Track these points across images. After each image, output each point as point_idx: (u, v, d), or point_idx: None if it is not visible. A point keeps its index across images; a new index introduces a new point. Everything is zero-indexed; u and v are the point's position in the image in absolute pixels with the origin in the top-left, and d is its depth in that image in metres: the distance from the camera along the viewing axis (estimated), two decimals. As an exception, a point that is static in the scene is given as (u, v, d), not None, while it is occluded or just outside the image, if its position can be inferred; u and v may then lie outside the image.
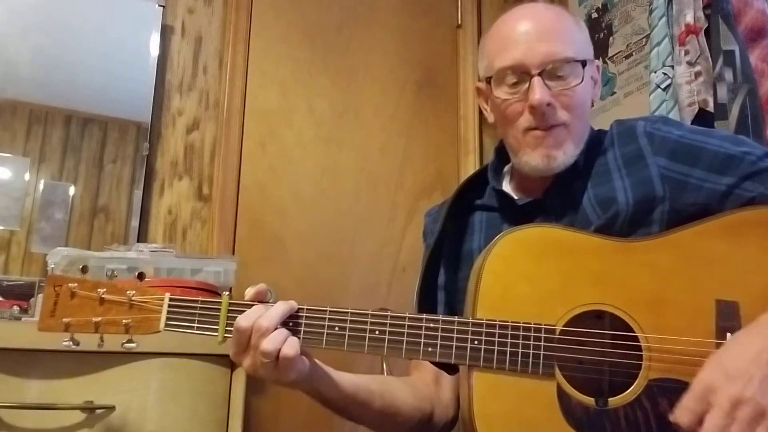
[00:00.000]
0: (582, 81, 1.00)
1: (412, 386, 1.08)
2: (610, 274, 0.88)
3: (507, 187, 1.10)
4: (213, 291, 1.62)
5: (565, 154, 0.99)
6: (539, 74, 0.97)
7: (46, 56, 1.92)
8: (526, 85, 0.98)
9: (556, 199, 1.02)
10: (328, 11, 2.28)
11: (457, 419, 1.07)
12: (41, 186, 1.85)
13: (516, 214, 1.04)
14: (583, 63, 1.01)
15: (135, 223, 1.89)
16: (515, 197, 1.06)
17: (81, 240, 1.84)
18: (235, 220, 2.01)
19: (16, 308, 1.59)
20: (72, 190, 1.88)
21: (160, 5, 2.04)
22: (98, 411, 1.23)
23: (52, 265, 1.59)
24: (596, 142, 1.05)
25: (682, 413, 0.77)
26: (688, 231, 0.90)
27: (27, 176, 1.85)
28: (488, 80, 1.03)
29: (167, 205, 1.97)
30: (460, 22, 2.40)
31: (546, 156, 0.99)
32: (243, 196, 2.04)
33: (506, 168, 1.13)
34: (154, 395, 1.29)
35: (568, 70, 0.99)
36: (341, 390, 0.96)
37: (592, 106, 1.08)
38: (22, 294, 1.61)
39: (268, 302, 0.89)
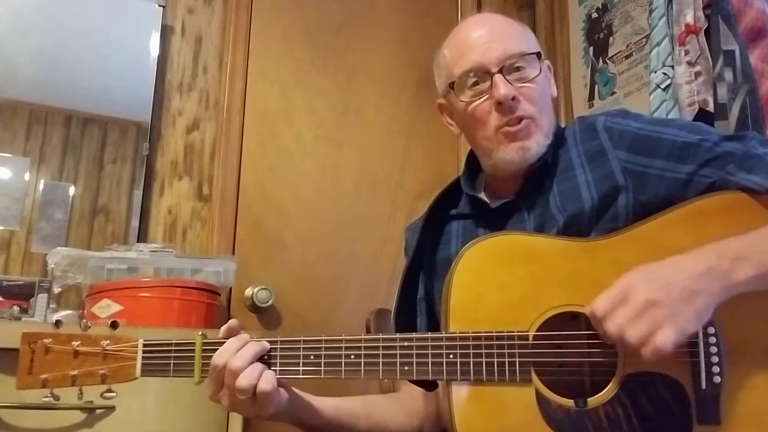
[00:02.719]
0: (540, 72, 1.03)
1: (401, 402, 1.08)
2: (577, 274, 0.88)
3: (481, 195, 1.11)
4: (213, 291, 1.63)
5: (538, 144, 1.01)
6: (499, 71, 1.00)
7: (46, 56, 1.92)
8: (489, 84, 1.01)
9: (528, 198, 1.03)
10: (328, 11, 2.27)
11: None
12: (41, 186, 1.85)
13: (491, 218, 1.05)
14: (538, 54, 1.05)
15: (135, 223, 1.89)
16: (488, 201, 1.08)
17: (81, 240, 1.84)
18: (235, 220, 2.01)
19: (16, 308, 1.59)
20: (72, 190, 1.88)
21: (160, 5, 2.04)
22: (98, 411, 1.23)
23: (52, 265, 1.59)
24: (560, 139, 1.06)
25: (598, 303, 0.80)
26: (649, 225, 0.91)
27: (27, 176, 1.85)
28: (450, 87, 1.06)
29: (167, 205, 1.97)
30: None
31: (520, 148, 1.01)
32: (243, 196, 2.04)
33: (479, 177, 1.15)
34: (154, 395, 1.29)
35: (525, 63, 1.03)
36: (323, 417, 0.96)
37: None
38: (22, 294, 1.62)
39: (242, 335, 0.89)
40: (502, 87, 0.99)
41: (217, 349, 0.87)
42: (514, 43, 1.04)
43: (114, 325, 0.90)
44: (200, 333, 0.89)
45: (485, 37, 1.04)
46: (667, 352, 0.76)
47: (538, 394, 0.84)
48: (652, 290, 0.78)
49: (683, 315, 0.78)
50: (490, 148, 1.04)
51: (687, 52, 1.69)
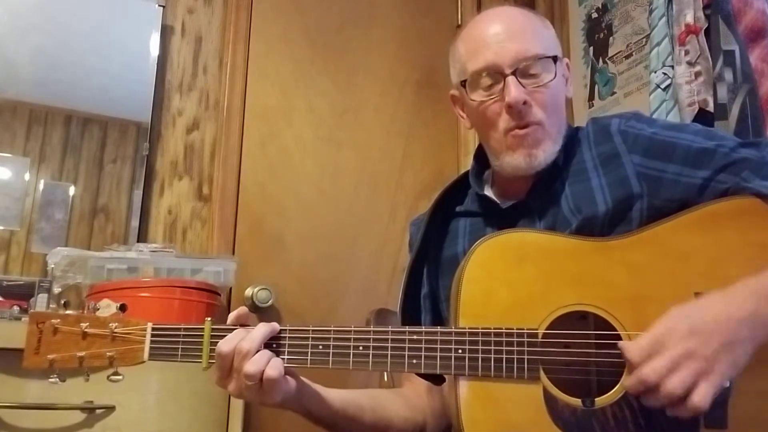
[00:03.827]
0: (555, 77, 1.01)
1: (405, 398, 1.08)
2: (588, 274, 0.88)
3: (489, 191, 1.10)
4: (213, 291, 1.63)
5: (545, 152, 1.00)
6: (513, 73, 0.98)
7: (46, 56, 1.92)
8: (501, 85, 0.99)
9: (539, 200, 1.02)
10: (328, 11, 2.27)
11: (451, 428, 1.07)
12: (41, 186, 1.85)
13: (500, 218, 1.04)
14: (554, 58, 1.02)
15: (135, 223, 1.89)
16: (498, 201, 1.07)
17: (81, 240, 1.84)
18: (235, 220, 2.01)
19: (16, 308, 1.59)
20: (72, 190, 1.88)
21: (160, 5, 2.04)
22: (98, 411, 1.23)
23: (52, 265, 1.59)
24: (573, 140, 1.05)
25: (632, 349, 0.78)
26: (663, 227, 0.90)
27: (27, 176, 1.85)
28: (463, 84, 1.04)
29: (167, 205, 1.97)
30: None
31: (527, 155, 0.99)
32: (243, 196, 2.04)
33: (486, 173, 1.14)
34: (154, 395, 1.29)
35: (540, 67, 1.00)
36: (330, 407, 0.96)
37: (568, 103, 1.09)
38: (22, 294, 1.62)
39: (249, 326, 0.89)
40: (514, 90, 0.97)
41: (226, 335, 0.87)
42: (531, 43, 1.01)
43: (123, 307, 0.91)
44: (209, 319, 0.89)
45: (501, 35, 1.01)
46: (704, 410, 0.76)
47: (545, 392, 0.84)
48: (689, 342, 0.76)
49: (722, 368, 0.76)
50: (498, 150, 1.03)
51: (687, 52, 1.69)
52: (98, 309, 0.89)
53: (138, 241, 1.84)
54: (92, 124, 1.93)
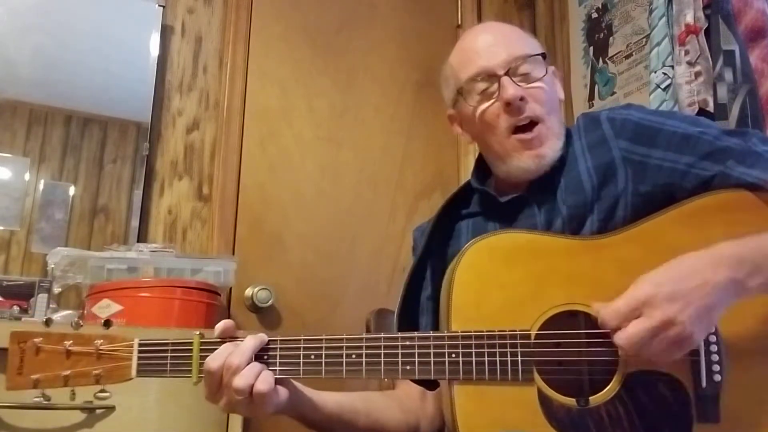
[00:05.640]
0: (546, 73, 1.04)
1: (399, 401, 1.08)
2: (579, 273, 0.89)
3: (490, 189, 1.11)
4: (213, 291, 1.63)
5: (552, 149, 1.02)
6: (506, 73, 1.01)
7: (46, 56, 1.92)
8: (496, 86, 1.02)
9: (538, 193, 1.03)
10: (328, 11, 2.27)
11: (444, 430, 1.07)
12: (41, 186, 1.85)
13: (501, 212, 1.06)
14: (543, 55, 1.06)
15: (135, 223, 1.89)
16: (497, 196, 1.08)
17: (81, 240, 1.84)
18: (235, 220, 2.00)
19: (16, 308, 1.59)
20: (72, 190, 1.88)
21: (160, 5, 2.04)
22: (98, 411, 1.23)
23: (52, 265, 1.59)
24: (567, 136, 1.07)
25: (611, 315, 0.80)
26: (652, 222, 0.91)
27: (27, 176, 1.85)
28: (459, 93, 1.07)
29: (167, 205, 1.97)
30: (460, 22, 2.40)
31: (536, 156, 1.01)
32: (243, 196, 2.04)
33: (488, 180, 1.15)
34: (154, 395, 1.29)
35: (531, 66, 1.04)
36: (324, 412, 0.96)
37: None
38: (22, 294, 1.61)
39: (237, 338, 0.88)
40: (510, 88, 1.00)
41: (215, 349, 0.86)
42: (519, 45, 1.05)
43: (107, 323, 0.88)
44: (197, 333, 0.88)
45: (489, 42, 1.06)
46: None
47: (540, 393, 0.85)
48: (670, 309, 0.77)
49: (698, 334, 0.79)
50: (503, 154, 1.04)
51: (687, 52, 1.69)
52: (81, 326, 0.87)
53: (138, 241, 1.84)
54: (92, 124, 1.93)
